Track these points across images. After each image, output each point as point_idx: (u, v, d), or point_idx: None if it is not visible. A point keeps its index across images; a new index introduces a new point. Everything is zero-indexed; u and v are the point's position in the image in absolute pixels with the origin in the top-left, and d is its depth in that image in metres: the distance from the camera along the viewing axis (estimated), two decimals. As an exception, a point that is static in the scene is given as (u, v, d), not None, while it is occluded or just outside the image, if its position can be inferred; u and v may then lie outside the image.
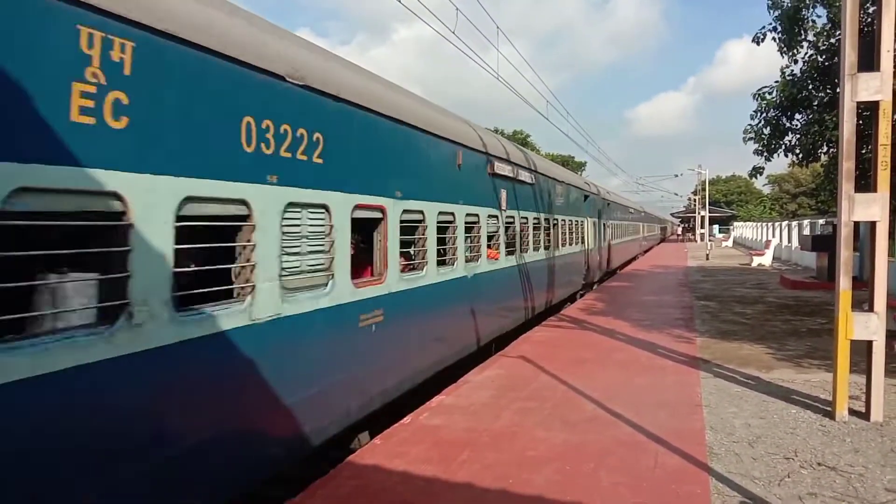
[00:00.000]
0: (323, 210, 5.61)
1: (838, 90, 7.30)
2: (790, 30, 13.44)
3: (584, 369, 9.17)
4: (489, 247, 10.60)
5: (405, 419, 6.87)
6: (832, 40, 13.35)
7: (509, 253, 11.79)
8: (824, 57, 13.72)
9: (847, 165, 6.71)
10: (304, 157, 5.33)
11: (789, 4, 13.28)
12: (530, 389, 8.09)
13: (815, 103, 13.81)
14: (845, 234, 6.75)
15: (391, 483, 5.17)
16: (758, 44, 14.03)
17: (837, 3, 12.13)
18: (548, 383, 8.40)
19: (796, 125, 14.67)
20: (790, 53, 13.89)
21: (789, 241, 35.71)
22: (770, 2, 13.69)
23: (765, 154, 14.96)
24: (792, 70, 14.28)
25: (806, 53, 13.91)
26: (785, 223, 39.94)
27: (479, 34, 11.93)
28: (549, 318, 14.28)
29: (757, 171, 15.72)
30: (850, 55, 6.67)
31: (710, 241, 48.62)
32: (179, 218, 4.02)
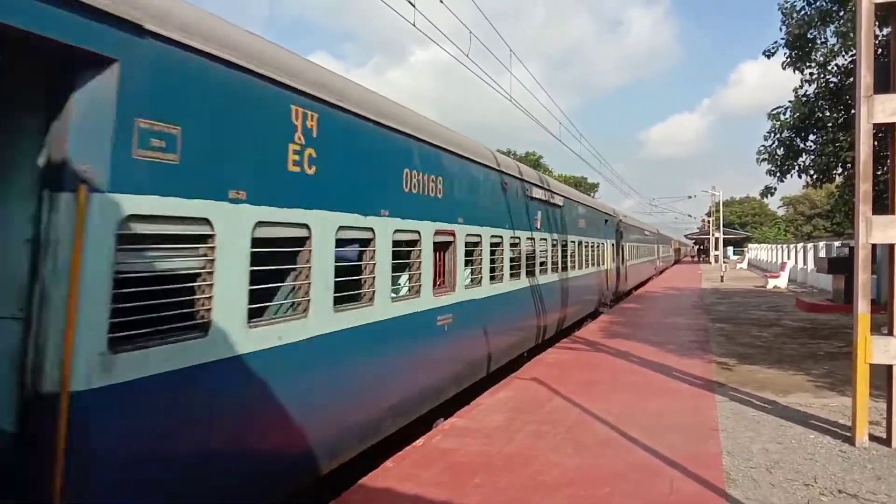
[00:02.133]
0: None
1: (852, 111, 7.28)
2: (800, 48, 13.48)
3: (598, 392, 9.08)
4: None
5: (418, 441, 6.82)
6: (844, 61, 13.34)
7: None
8: (838, 78, 13.71)
9: (864, 187, 6.65)
10: None
11: (797, 20, 13.31)
12: (543, 412, 8.01)
13: (829, 124, 13.76)
14: (863, 256, 6.67)
15: (403, 506, 5.11)
16: (769, 57, 14.08)
17: (847, 24, 12.14)
18: (561, 406, 8.31)
19: (810, 146, 14.60)
20: (802, 72, 13.92)
21: (805, 263, 35.37)
22: (783, 17, 13.74)
23: (778, 175, 14.89)
24: (805, 91, 14.28)
25: (816, 74, 13.93)
26: (800, 245, 39.60)
27: (493, 57, 12.05)
28: (562, 340, 14.19)
29: (769, 190, 15.62)
30: (865, 77, 6.65)
31: (724, 262, 48.30)
32: None
